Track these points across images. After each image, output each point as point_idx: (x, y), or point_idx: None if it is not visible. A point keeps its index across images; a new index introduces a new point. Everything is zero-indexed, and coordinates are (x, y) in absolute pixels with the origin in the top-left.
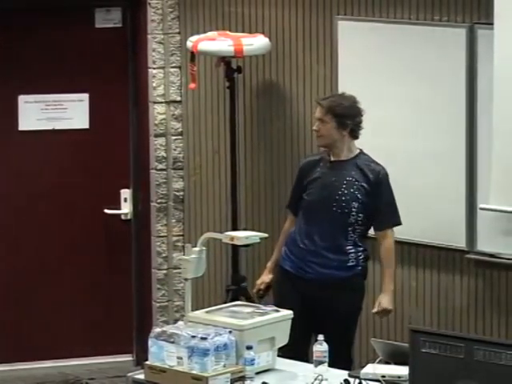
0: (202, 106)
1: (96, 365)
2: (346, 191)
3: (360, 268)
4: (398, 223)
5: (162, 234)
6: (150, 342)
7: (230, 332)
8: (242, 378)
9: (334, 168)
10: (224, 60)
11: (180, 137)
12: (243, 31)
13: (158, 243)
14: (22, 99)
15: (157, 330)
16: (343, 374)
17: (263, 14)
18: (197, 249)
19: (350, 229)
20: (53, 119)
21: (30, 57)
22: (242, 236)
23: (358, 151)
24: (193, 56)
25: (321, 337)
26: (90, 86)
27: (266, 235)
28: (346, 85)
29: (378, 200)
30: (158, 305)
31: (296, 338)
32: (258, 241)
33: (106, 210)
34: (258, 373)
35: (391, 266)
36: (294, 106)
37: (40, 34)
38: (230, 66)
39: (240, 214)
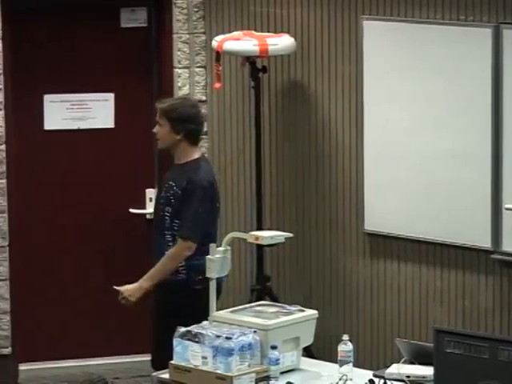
0: (226, 106)
1: (121, 364)
2: (163, 195)
3: (181, 275)
4: (183, 236)
5: None
6: (175, 341)
7: (255, 332)
8: (267, 378)
9: (170, 172)
10: (249, 60)
11: (205, 136)
12: (268, 31)
13: None
14: (48, 98)
15: (182, 329)
16: (368, 373)
17: (288, 14)
18: (221, 248)
19: (167, 233)
20: (78, 119)
21: (55, 56)
22: (267, 236)
23: (196, 157)
24: (218, 56)
25: (345, 336)
26: (116, 85)
27: (290, 235)
28: (371, 84)
29: (183, 208)
30: None
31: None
32: (283, 240)
33: (131, 210)
34: (282, 373)
35: (158, 270)
36: (319, 105)
37: (66, 33)
38: (255, 66)
39: (265, 213)
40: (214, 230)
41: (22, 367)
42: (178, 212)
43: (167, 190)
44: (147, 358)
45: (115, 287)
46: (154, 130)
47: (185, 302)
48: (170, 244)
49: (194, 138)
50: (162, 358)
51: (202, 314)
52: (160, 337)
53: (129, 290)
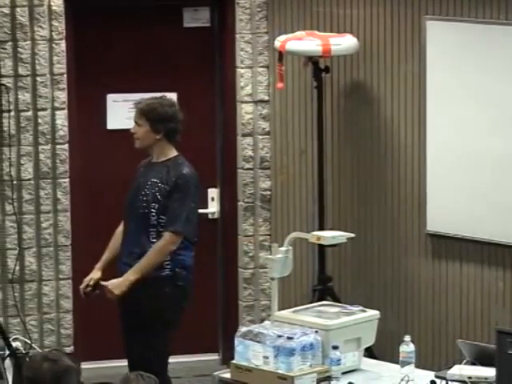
0: (289, 106)
1: (182, 363)
2: (148, 192)
3: (166, 271)
4: (176, 231)
5: (249, 234)
6: (237, 341)
7: (316, 332)
8: (328, 378)
9: (148, 170)
10: (312, 60)
11: (267, 136)
12: (331, 31)
13: (245, 242)
14: (111, 98)
15: (243, 329)
16: (429, 374)
17: (351, 14)
18: (283, 248)
19: (152, 230)
20: None
21: (118, 56)
22: (329, 236)
23: (176, 154)
24: (281, 56)
25: (407, 337)
26: (178, 85)
27: (352, 235)
28: (434, 84)
29: (170, 202)
30: (244, 304)
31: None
32: (345, 241)
33: None
34: (343, 373)
35: (144, 260)
36: (382, 105)
37: (128, 33)
38: (317, 66)
39: (327, 213)
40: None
41: (84, 366)
42: (165, 208)
43: (151, 187)
44: (211, 357)
45: (102, 283)
46: (132, 129)
47: (169, 298)
48: (154, 240)
49: (172, 137)
50: (145, 357)
51: (182, 311)
52: (141, 335)
53: (113, 283)
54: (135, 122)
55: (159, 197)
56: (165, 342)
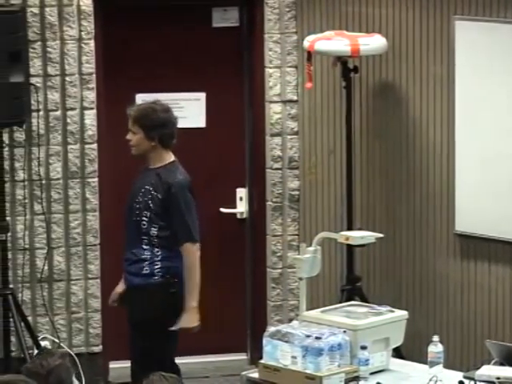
0: (318, 106)
1: (211, 363)
2: (140, 199)
3: (157, 278)
4: (190, 240)
5: (277, 233)
6: (265, 340)
7: (345, 332)
8: (357, 378)
9: (143, 176)
10: (340, 60)
11: (296, 136)
12: (360, 31)
13: (273, 242)
14: (140, 98)
15: (271, 329)
16: (458, 375)
17: (380, 14)
18: (312, 248)
19: (144, 238)
20: None
21: (147, 56)
22: (357, 236)
23: (171, 160)
24: (309, 55)
25: (436, 337)
26: (207, 85)
27: (381, 235)
28: (463, 85)
29: (170, 213)
30: (272, 304)
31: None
32: (374, 241)
33: (222, 209)
34: (371, 373)
35: (190, 284)
36: (411, 105)
37: (158, 32)
38: (346, 66)
39: (355, 213)
40: None
41: (113, 365)
42: (157, 216)
43: (144, 195)
44: (239, 357)
45: (172, 328)
46: (128, 137)
47: (161, 305)
48: (146, 247)
49: (167, 142)
50: (143, 366)
51: (176, 318)
52: (138, 343)
53: (187, 321)
54: (129, 129)
55: (151, 205)
56: (163, 345)
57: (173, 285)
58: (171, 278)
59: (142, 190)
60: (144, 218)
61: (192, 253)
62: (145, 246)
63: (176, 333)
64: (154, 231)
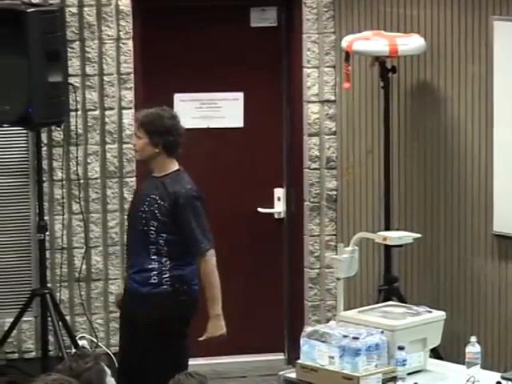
0: (355, 106)
1: (248, 363)
2: (146, 209)
3: (165, 287)
4: (202, 251)
5: (315, 234)
6: (302, 340)
7: (382, 332)
8: (394, 379)
9: (149, 184)
10: (379, 60)
11: (333, 136)
12: (398, 31)
13: (311, 242)
14: (178, 97)
15: (309, 329)
16: (496, 376)
17: (418, 14)
18: (349, 248)
19: (152, 247)
20: (207, 118)
21: (185, 55)
22: (395, 236)
23: (175, 169)
24: (347, 55)
25: (473, 338)
26: (245, 84)
27: (418, 235)
28: (502, 85)
29: (179, 222)
30: (309, 304)
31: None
32: (411, 241)
33: (260, 209)
34: (409, 373)
35: (211, 292)
36: (449, 106)
37: (196, 33)
38: (384, 66)
39: (393, 213)
40: None
41: None
42: (165, 225)
43: (150, 204)
44: (276, 357)
45: (200, 339)
46: (132, 141)
47: (170, 313)
48: (154, 257)
49: (172, 150)
50: (157, 369)
51: (187, 326)
52: (146, 353)
53: (213, 329)
54: (135, 134)
55: (158, 215)
56: (172, 353)
57: (182, 293)
58: (180, 286)
59: (148, 199)
60: (152, 228)
61: (207, 262)
62: (153, 256)
63: (186, 342)
64: (161, 241)
